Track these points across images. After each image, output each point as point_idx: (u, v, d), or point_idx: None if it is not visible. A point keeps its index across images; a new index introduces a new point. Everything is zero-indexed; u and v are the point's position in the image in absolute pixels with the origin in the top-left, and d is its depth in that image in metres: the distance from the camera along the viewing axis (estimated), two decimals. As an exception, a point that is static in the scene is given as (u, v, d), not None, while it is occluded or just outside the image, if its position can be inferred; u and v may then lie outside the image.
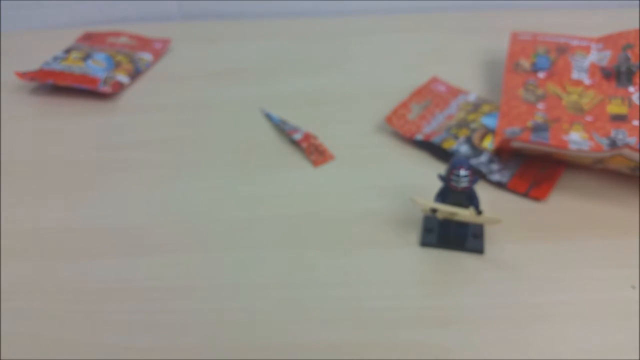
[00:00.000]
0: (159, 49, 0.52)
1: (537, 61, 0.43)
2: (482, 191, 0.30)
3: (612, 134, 0.36)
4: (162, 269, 0.30)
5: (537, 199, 0.33)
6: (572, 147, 0.34)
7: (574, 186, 0.34)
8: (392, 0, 0.61)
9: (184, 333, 0.26)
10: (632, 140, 0.35)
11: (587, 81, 0.40)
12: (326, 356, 0.25)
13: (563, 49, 0.43)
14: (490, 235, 0.31)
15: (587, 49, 0.43)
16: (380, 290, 0.28)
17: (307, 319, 0.27)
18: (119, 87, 0.46)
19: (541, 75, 0.42)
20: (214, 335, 0.26)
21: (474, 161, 0.35)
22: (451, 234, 0.30)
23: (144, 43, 0.53)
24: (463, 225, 0.30)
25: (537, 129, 0.36)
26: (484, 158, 0.36)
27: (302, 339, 0.26)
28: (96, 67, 0.47)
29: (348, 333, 0.26)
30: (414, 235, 0.31)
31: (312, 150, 0.38)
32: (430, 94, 0.42)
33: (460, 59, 0.49)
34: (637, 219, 0.32)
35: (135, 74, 0.48)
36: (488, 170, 0.35)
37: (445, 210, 0.28)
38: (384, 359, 0.25)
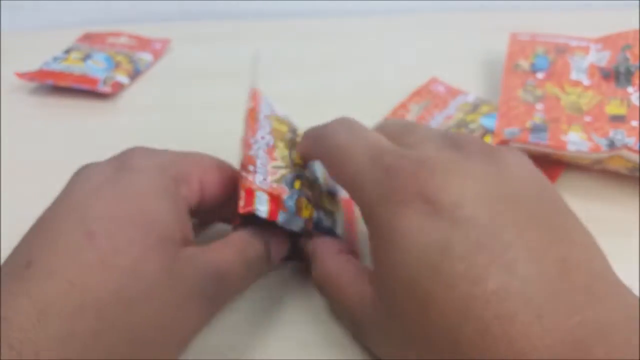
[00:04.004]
0: (158, 49, 0.52)
1: (536, 62, 0.43)
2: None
3: (611, 134, 0.36)
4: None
5: (536, 199, 0.33)
6: (571, 148, 0.34)
7: (573, 186, 0.34)
8: (392, 0, 0.61)
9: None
10: (631, 140, 0.35)
11: (586, 82, 0.41)
12: (327, 356, 0.25)
13: (562, 50, 0.43)
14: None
15: (586, 50, 0.43)
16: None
17: (307, 318, 0.27)
18: (119, 88, 0.46)
19: (540, 75, 0.42)
20: (214, 335, 0.26)
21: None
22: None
23: (144, 43, 0.53)
24: None
25: (536, 129, 0.36)
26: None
27: (302, 339, 0.26)
28: (96, 67, 0.47)
29: (347, 332, 0.26)
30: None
31: (312, 151, 0.38)
32: (429, 95, 0.42)
33: (460, 59, 0.49)
34: (637, 219, 0.32)
35: (135, 74, 0.48)
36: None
37: None
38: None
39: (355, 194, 0.22)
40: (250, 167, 0.26)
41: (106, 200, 0.20)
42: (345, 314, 0.24)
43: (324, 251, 0.25)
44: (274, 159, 0.27)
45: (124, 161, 0.22)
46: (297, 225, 0.25)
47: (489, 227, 0.18)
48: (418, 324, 0.18)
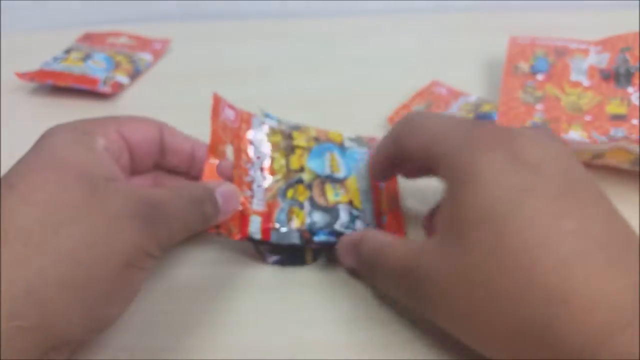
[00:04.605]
0: (158, 49, 0.52)
1: (536, 64, 0.43)
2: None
3: (611, 132, 0.36)
4: (160, 269, 0.30)
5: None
6: (572, 137, 0.34)
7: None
8: (393, 0, 0.61)
9: (184, 333, 0.26)
10: (632, 136, 0.35)
11: (586, 82, 0.41)
12: (328, 356, 0.25)
13: (561, 52, 0.43)
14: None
15: (585, 52, 0.43)
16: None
17: (308, 318, 0.27)
18: (119, 88, 0.46)
19: (540, 77, 0.42)
20: (214, 336, 0.26)
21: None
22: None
23: (144, 43, 0.53)
24: None
25: (537, 129, 0.37)
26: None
27: (302, 339, 0.26)
28: (96, 67, 0.47)
29: (348, 333, 0.26)
30: (415, 235, 0.31)
31: (312, 151, 0.38)
32: (432, 96, 0.42)
33: (461, 60, 0.49)
34: (637, 218, 0.32)
35: (135, 74, 0.48)
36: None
37: None
38: (386, 358, 0.25)
39: (434, 146, 0.23)
40: (248, 192, 0.29)
41: (24, 161, 0.23)
42: (396, 281, 0.24)
43: (370, 232, 0.27)
44: (273, 174, 0.30)
45: (43, 134, 0.25)
46: (292, 238, 0.28)
47: (567, 185, 0.20)
48: (493, 256, 0.19)
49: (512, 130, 0.22)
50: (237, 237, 0.27)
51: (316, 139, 0.32)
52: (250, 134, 0.32)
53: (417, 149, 0.24)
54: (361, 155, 0.33)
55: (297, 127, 0.34)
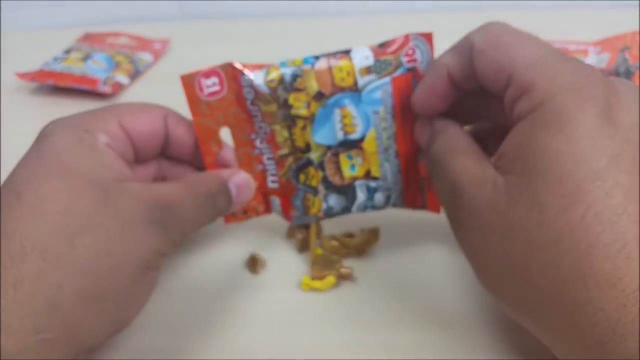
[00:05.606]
0: (158, 49, 0.52)
1: (536, 63, 0.43)
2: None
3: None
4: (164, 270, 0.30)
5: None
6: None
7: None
8: (393, 0, 0.61)
9: (186, 333, 0.26)
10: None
11: (586, 82, 0.41)
12: (327, 356, 0.25)
13: (561, 52, 0.43)
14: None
15: (584, 53, 0.43)
16: (382, 290, 0.28)
17: (308, 318, 0.27)
18: (119, 88, 0.46)
19: (540, 76, 0.42)
20: (214, 336, 0.26)
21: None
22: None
23: (144, 43, 0.53)
24: None
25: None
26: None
27: (302, 340, 0.26)
28: (96, 67, 0.47)
29: (348, 333, 0.26)
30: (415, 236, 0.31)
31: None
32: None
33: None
34: None
35: (135, 75, 0.48)
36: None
37: None
38: (386, 358, 0.25)
39: (520, 73, 0.21)
40: (259, 166, 0.28)
41: (27, 165, 0.22)
42: (452, 196, 0.23)
43: (453, 130, 0.25)
44: (278, 147, 0.28)
45: (41, 132, 0.24)
46: (308, 220, 0.29)
47: None
48: (560, 219, 0.18)
49: (609, 80, 0.20)
50: (264, 214, 0.29)
51: (320, 94, 0.27)
52: (246, 102, 0.27)
53: (495, 70, 0.21)
54: (382, 92, 0.27)
55: (294, 81, 0.27)
